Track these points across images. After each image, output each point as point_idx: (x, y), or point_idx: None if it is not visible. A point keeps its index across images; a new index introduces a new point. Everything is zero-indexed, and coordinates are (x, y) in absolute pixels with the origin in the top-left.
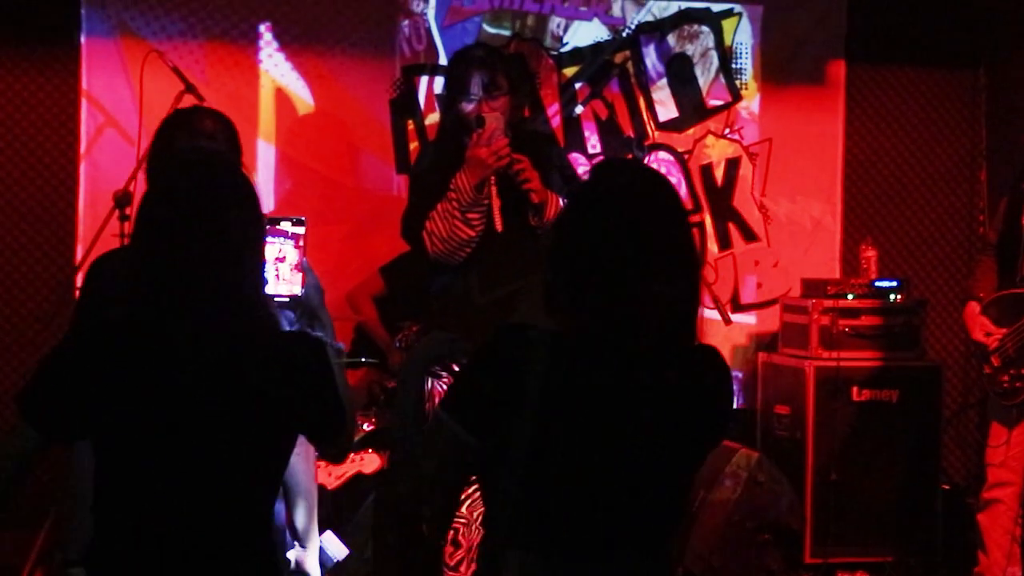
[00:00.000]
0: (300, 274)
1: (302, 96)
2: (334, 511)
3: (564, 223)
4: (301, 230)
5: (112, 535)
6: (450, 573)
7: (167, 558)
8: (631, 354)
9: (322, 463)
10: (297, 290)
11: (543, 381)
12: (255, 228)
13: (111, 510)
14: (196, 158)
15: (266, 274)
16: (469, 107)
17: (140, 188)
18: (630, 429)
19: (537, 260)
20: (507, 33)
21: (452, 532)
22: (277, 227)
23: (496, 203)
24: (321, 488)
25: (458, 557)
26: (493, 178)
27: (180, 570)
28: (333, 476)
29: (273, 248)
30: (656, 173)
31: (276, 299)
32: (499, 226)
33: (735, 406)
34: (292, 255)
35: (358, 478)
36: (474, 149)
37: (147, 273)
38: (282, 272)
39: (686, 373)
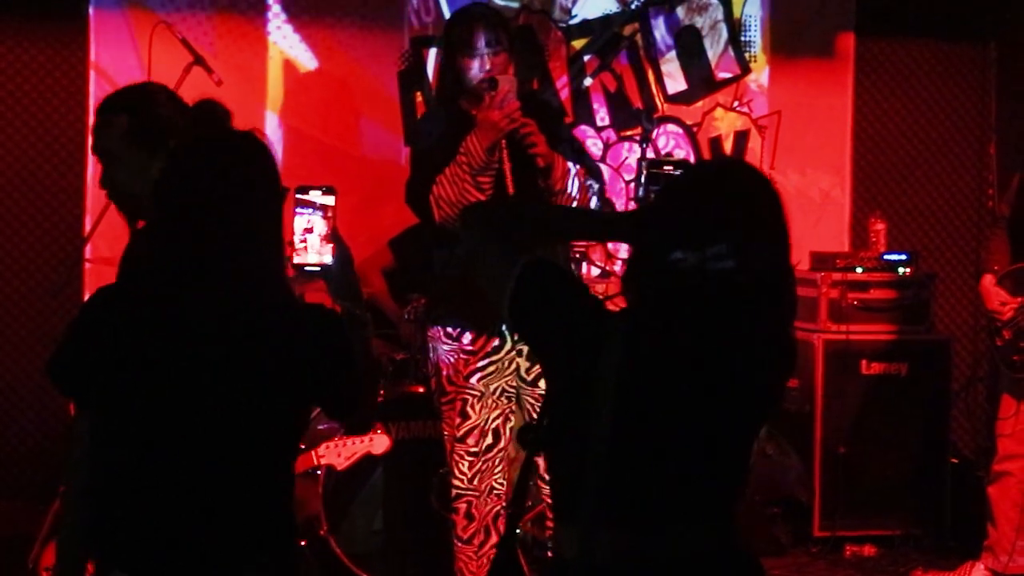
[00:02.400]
0: (330, 245)
1: (310, 67)
2: (344, 492)
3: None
4: (331, 200)
5: (124, 512)
6: (462, 546)
7: (181, 535)
8: (695, 327)
9: (332, 443)
10: (328, 260)
11: (619, 365)
12: (274, 203)
13: (122, 487)
14: (215, 135)
15: (291, 246)
16: (472, 62)
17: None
18: (700, 402)
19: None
20: (515, 5)
21: (465, 505)
22: (305, 197)
23: (508, 166)
24: (330, 469)
25: (472, 530)
26: (504, 141)
27: (194, 547)
28: (342, 457)
29: (301, 220)
30: (760, 172)
31: (306, 269)
32: (511, 188)
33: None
34: (320, 226)
35: (368, 459)
36: (486, 111)
37: (167, 247)
38: (311, 243)
39: (746, 354)
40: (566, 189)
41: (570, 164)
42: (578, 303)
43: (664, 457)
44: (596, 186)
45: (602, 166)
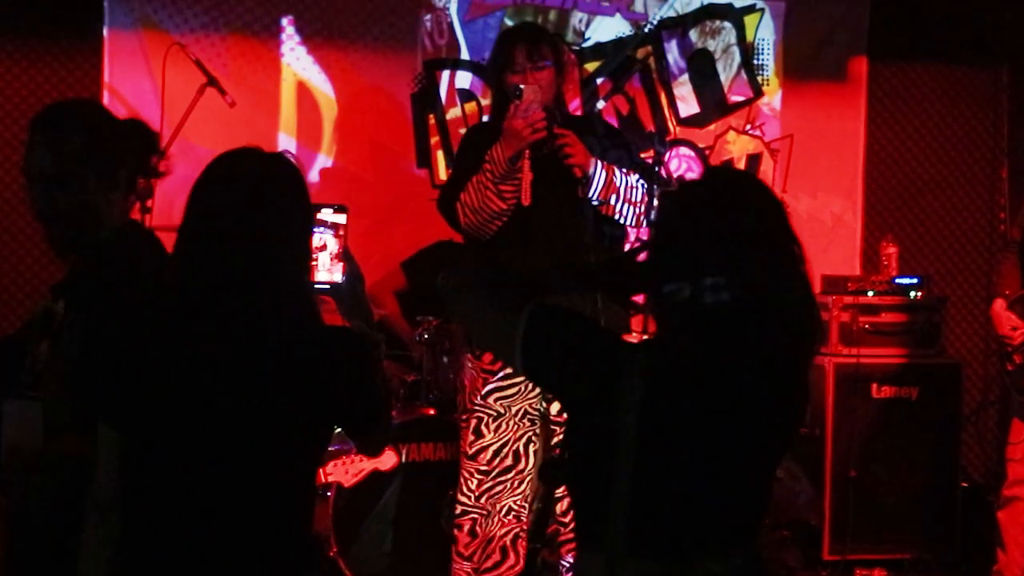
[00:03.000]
0: (340, 264)
1: (324, 90)
2: (353, 513)
3: (671, 216)
4: (342, 219)
5: (144, 531)
6: (462, 562)
7: (199, 555)
8: (709, 358)
9: (339, 461)
10: (338, 278)
11: (642, 395)
12: (306, 220)
13: (142, 506)
14: (248, 151)
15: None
16: (516, 78)
17: (160, 181)
18: (719, 432)
19: (570, 238)
20: None
21: (470, 522)
22: (317, 215)
23: (527, 177)
24: (338, 486)
25: (473, 547)
26: (528, 152)
27: (213, 568)
28: (350, 474)
29: (313, 238)
30: (765, 186)
31: (316, 287)
32: (526, 200)
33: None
34: (332, 244)
35: (375, 475)
36: (510, 120)
37: (196, 262)
38: (322, 261)
39: (768, 378)
40: (609, 200)
41: (620, 174)
42: (592, 339)
43: (686, 486)
44: (645, 189)
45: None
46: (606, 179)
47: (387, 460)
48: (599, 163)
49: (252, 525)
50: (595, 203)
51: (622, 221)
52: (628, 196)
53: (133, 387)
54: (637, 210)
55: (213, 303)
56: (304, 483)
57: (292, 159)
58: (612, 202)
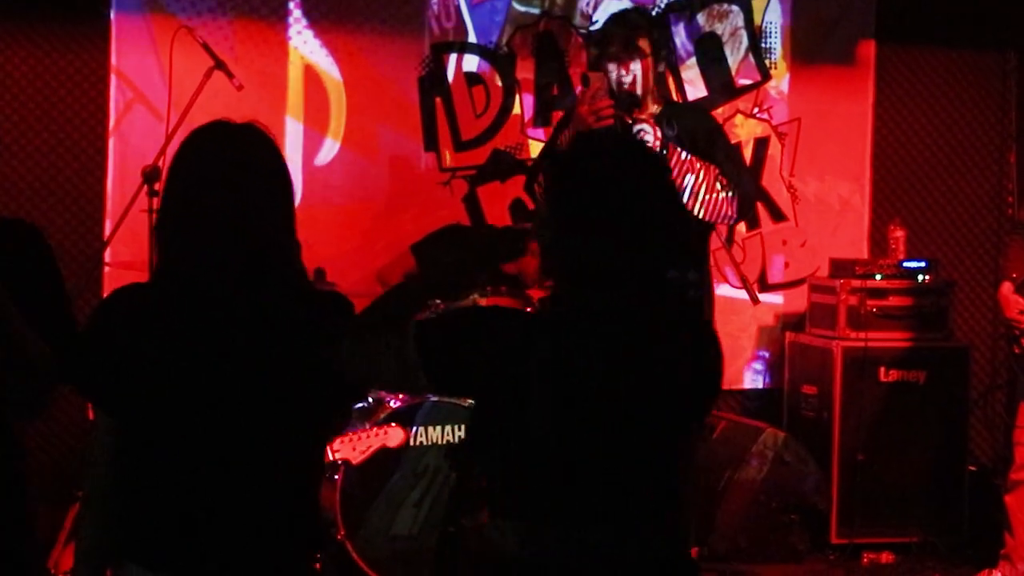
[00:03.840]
0: None
1: (331, 73)
2: (360, 485)
3: (546, 195)
4: None
5: (144, 508)
6: None
7: (210, 534)
8: (616, 328)
9: (346, 438)
10: None
11: (546, 366)
12: (286, 184)
13: (143, 485)
14: (224, 124)
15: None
16: (609, 65)
17: (169, 164)
18: (617, 401)
19: None
20: (536, 11)
21: None
22: None
23: None
24: (346, 463)
25: None
26: None
27: (224, 546)
28: (357, 451)
29: None
30: (637, 143)
31: None
32: None
33: (719, 380)
34: None
35: (383, 457)
36: (578, 107)
37: (184, 233)
38: None
39: (673, 346)
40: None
41: (690, 161)
42: (492, 322)
43: (598, 452)
44: (732, 193)
45: None
46: (680, 170)
47: (395, 437)
48: (676, 153)
49: (258, 501)
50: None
51: (699, 213)
52: (700, 191)
53: (132, 371)
54: (705, 202)
55: (209, 278)
56: (310, 458)
57: (262, 127)
58: (695, 195)
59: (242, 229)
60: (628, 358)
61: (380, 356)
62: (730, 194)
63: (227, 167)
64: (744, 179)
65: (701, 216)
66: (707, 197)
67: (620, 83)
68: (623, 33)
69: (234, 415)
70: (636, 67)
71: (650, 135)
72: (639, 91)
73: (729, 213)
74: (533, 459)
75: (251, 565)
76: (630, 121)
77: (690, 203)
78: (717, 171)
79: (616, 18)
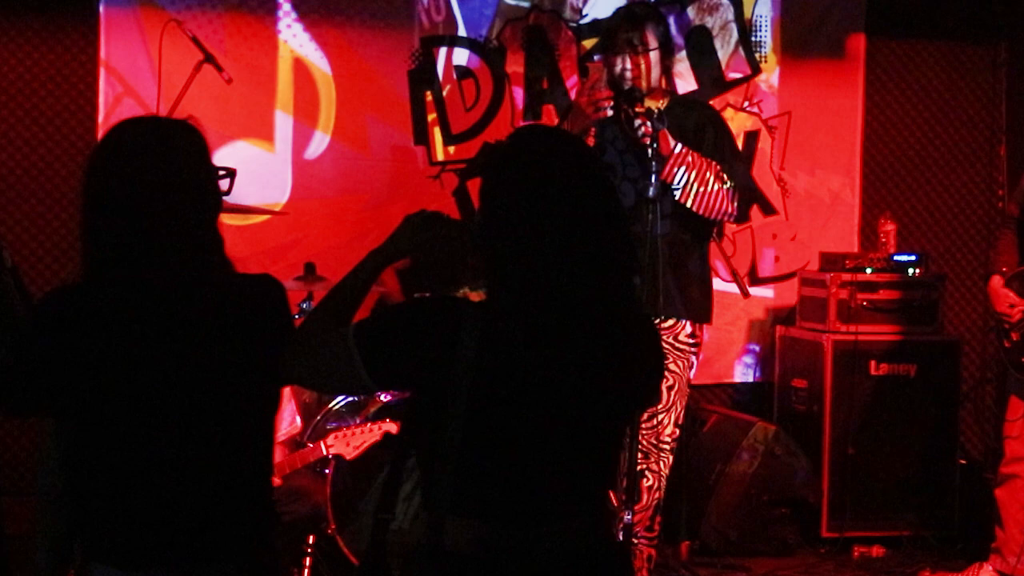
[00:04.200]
0: None
1: (320, 67)
2: (350, 479)
3: (482, 192)
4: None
5: (104, 507)
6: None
7: (167, 526)
8: (553, 321)
9: (340, 433)
10: None
11: (474, 354)
12: (210, 172)
13: (99, 483)
14: (146, 119)
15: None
16: (615, 59)
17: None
18: (554, 396)
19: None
20: (526, 5)
21: None
22: None
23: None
24: (339, 459)
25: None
26: (593, 129)
27: (173, 538)
28: (351, 446)
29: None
30: (572, 138)
31: None
32: None
33: (660, 373)
34: None
35: (375, 456)
36: (577, 97)
37: (109, 232)
38: None
39: (611, 340)
40: (682, 182)
41: (682, 154)
42: (424, 316)
43: (519, 446)
44: (730, 184)
45: None
46: (682, 166)
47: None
48: (680, 148)
49: (211, 491)
50: (674, 189)
51: (693, 208)
52: (704, 190)
53: (72, 375)
54: (710, 200)
55: (134, 270)
56: (258, 448)
57: (193, 123)
58: (686, 188)
59: (171, 225)
60: (558, 352)
61: (322, 362)
62: (727, 188)
63: (151, 163)
64: (737, 174)
65: (696, 211)
66: (701, 190)
67: (624, 76)
68: (632, 26)
69: (179, 410)
70: (644, 61)
71: (654, 125)
72: (647, 84)
73: (728, 209)
74: (461, 453)
75: (212, 553)
76: (633, 115)
77: (681, 198)
78: (718, 167)
79: (623, 11)
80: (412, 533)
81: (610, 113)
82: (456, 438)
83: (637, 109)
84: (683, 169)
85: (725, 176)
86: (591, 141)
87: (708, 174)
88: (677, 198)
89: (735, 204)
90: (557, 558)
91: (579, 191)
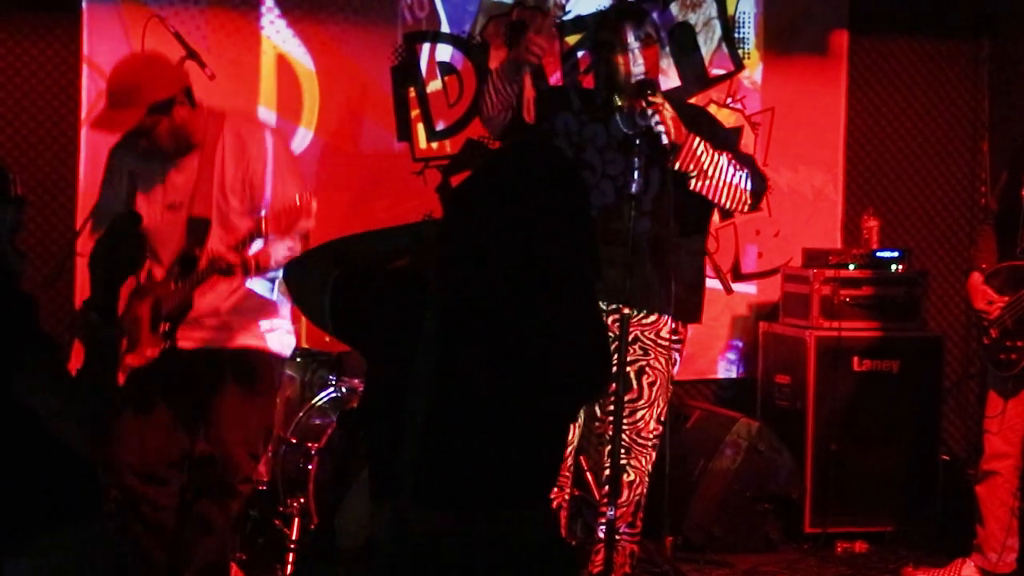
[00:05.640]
0: None
1: (304, 63)
2: (334, 473)
3: (455, 205)
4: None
5: None
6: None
7: None
8: (502, 317)
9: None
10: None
11: (435, 339)
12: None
13: None
14: None
15: None
16: (625, 58)
17: None
18: (508, 384)
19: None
20: (509, 1)
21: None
22: None
23: (529, 94)
24: (322, 454)
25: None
26: (528, 71)
27: None
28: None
29: None
30: (554, 157)
31: None
32: (528, 115)
33: (608, 367)
34: None
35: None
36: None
37: None
38: None
39: (556, 333)
40: (696, 171)
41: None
42: (396, 290)
43: (477, 436)
44: (745, 172)
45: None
46: (700, 154)
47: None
48: (694, 137)
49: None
50: (691, 177)
51: (710, 197)
52: (721, 176)
53: None
54: (729, 191)
55: None
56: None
57: None
58: (703, 176)
59: None
60: (510, 340)
61: (305, 285)
62: (742, 176)
63: None
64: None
65: (713, 199)
66: (720, 178)
67: (629, 71)
68: (636, 22)
69: None
70: (648, 55)
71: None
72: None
73: (745, 198)
74: (410, 437)
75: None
76: (645, 105)
77: (700, 188)
78: (731, 156)
79: (622, 9)
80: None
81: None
82: (418, 423)
83: (650, 99)
84: (700, 156)
85: (738, 164)
86: (528, 79)
87: (723, 162)
88: (693, 187)
89: (750, 192)
90: (506, 551)
91: (542, 203)
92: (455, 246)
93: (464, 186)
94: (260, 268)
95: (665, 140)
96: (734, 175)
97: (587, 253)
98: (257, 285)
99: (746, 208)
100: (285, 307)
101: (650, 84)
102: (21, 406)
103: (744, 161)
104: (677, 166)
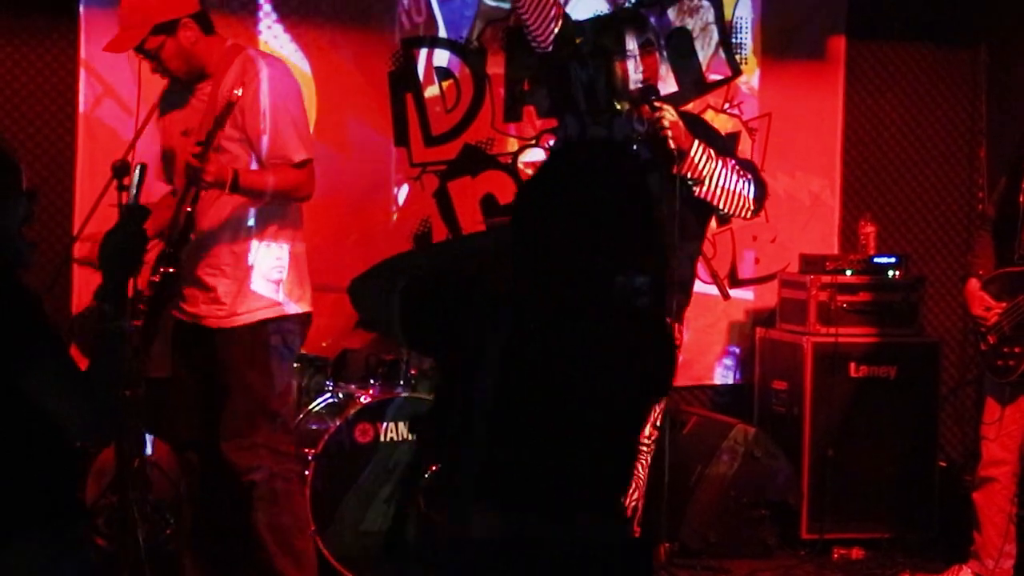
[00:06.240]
0: None
1: (301, 68)
2: (330, 481)
3: (521, 203)
4: None
5: None
6: None
7: None
8: (579, 319)
9: None
10: None
11: (504, 342)
12: None
13: None
14: None
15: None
16: (626, 64)
17: (138, 158)
18: (578, 390)
19: None
20: (506, 6)
21: None
22: None
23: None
24: (317, 465)
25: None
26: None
27: None
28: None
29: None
30: (617, 150)
31: None
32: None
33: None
34: None
35: (354, 447)
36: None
37: None
38: None
39: (628, 336)
40: (703, 178)
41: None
42: (465, 297)
43: (544, 437)
44: (749, 179)
45: None
46: (699, 161)
47: (363, 434)
48: (699, 143)
49: None
50: (689, 182)
51: (715, 203)
52: (724, 182)
53: None
54: (733, 198)
55: None
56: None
57: None
58: (707, 183)
59: None
60: (581, 344)
61: (375, 299)
62: (746, 182)
63: None
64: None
65: (718, 205)
66: (724, 185)
67: (628, 78)
68: (637, 29)
69: None
70: (648, 62)
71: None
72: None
73: (748, 204)
74: (474, 438)
75: None
76: (650, 111)
77: (704, 194)
78: (734, 163)
79: (622, 15)
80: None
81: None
82: (484, 423)
83: (655, 104)
84: (704, 163)
85: (741, 170)
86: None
87: (726, 169)
88: (698, 194)
89: (753, 199)
90: (579, 552)
91: (607, 199)
92: (523, 247)
93: (529, 185)
94: (242, 185)
95: (672, 145)
96: (737, 182)
97: (654, 251)
98: (261, 285)
99: (749, 215)
100: (291, 308)
101: (653, 90)
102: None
103: (747, 168)
104: (679, 171)
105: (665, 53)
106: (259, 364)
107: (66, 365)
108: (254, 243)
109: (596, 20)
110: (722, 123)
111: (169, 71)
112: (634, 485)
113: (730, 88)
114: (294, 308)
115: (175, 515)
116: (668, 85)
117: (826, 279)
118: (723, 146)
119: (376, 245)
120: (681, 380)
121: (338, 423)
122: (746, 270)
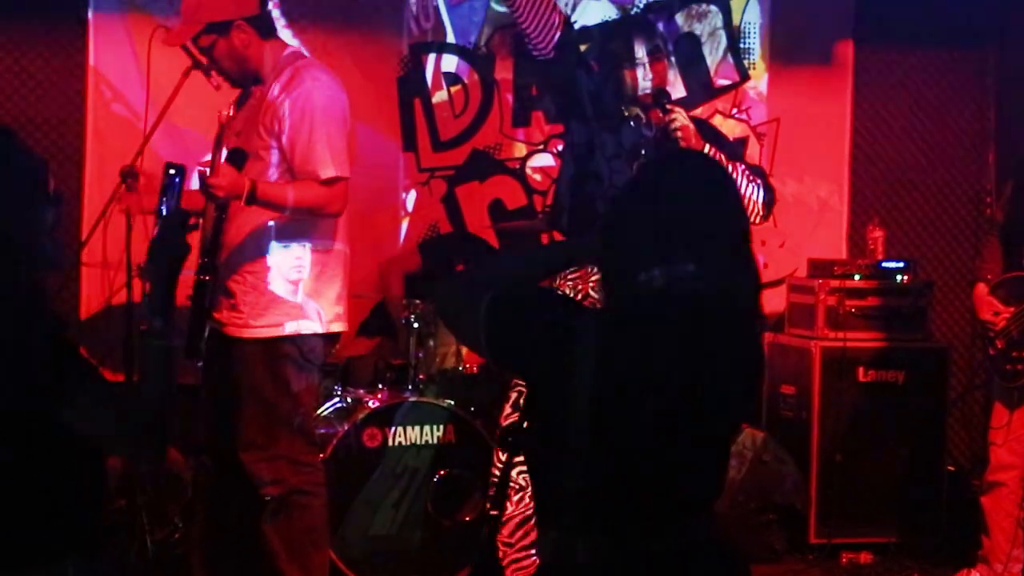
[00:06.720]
0: None
1: None
2: (338, 485)
3: (619, 206)
4: None
5: None
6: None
7: None
8: (663, 326)
9: None
10: None
11: (595, 360)
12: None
13: None
14: None
15: None
16: (635, 71)
17: (147, 164)
18: (673, 404)
19: None
20: None
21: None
22: None
23: None
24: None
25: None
26: None
27: None
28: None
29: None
30: (717, 166)
31: None
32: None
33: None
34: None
35: (362, 452)
36: None
37: None
38: None
39: (720, 347)
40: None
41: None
42: (551, 312)
43: (640, 461)
44: (757, 183)
45: None
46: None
47: (372, 438)
48: (708, 147)
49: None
50: None
51: None
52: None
53: None
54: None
55: None
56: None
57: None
58: None
59: None
60: (676, 356)
61: (459, 315)
62: (755, 187)
63: None
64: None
65: None
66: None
67: (636, 85)
68: (646, 36)
69: None
70: (657, 69)
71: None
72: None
73: (757, 209)
74: (571, 466)
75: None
76: (662, 114)
77: None
78: (743, 167)
79: (631, 21)
80: (398, 540)
81: None
82: (581, 452)
83: (667, 107)
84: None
85: (750, 175)
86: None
87: (734, 173)
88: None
89: (762, 204)
90: (673, 561)
91: (701, 210)
92: (613, 262)
93: (621, 197)
94: (260, 198)
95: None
96: (746, 186)
97: (742, 264)
98: (279, 286)
99: (757, 220)
100: (311, 307)
101: (665, 94)
102: (26, 437)
103: (755, 173)
104: None
105: (673, 58)
106: (275, 377)
107: (104, 393)
108: (274, 244)
109: (604, 26)
110: (730, 128)
111: (222, 71)
112: None
113: (738, 93)
114: (315, 326)
115: (185, 519)
116: (676, 90)
117: (834, 284)
118: (731, 151)
119: (384, 250)
120: None
121: (346, 427)
122: None
